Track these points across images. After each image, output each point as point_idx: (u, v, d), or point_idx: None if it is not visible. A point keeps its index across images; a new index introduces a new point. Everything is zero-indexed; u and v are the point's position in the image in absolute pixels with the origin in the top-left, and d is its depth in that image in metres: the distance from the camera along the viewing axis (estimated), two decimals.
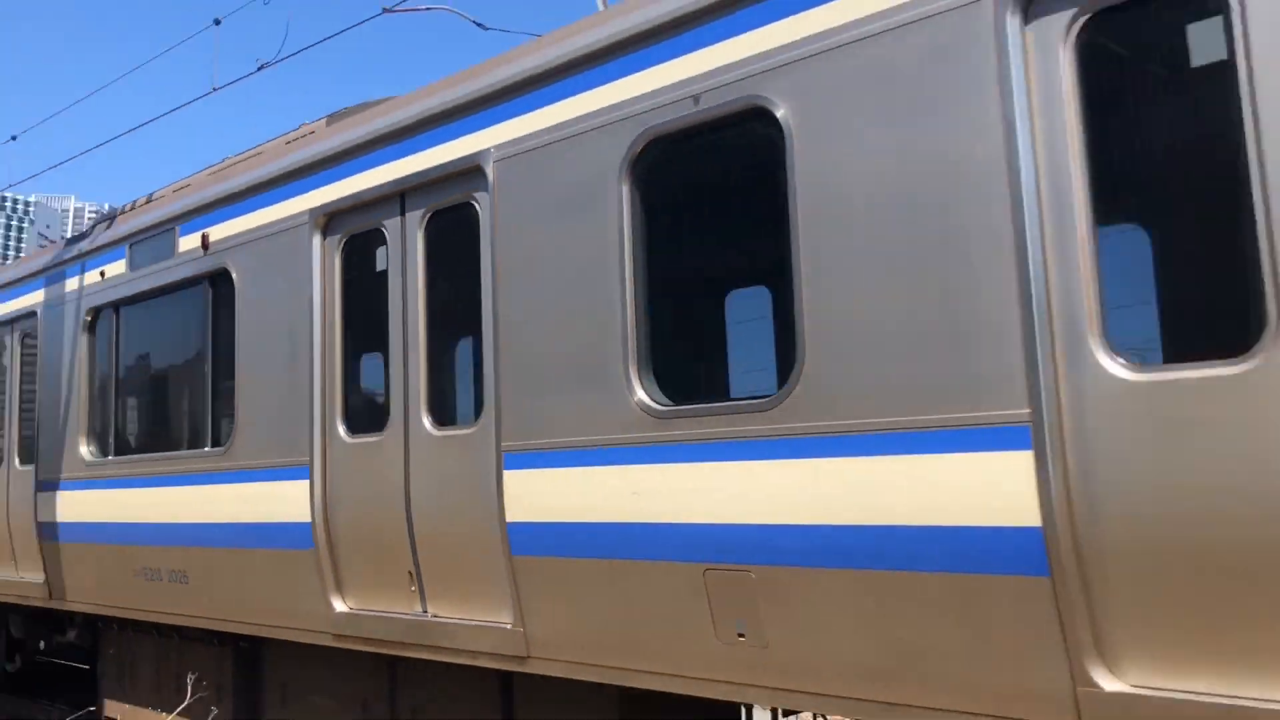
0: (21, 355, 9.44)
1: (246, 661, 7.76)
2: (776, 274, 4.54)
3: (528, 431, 5.19)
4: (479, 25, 10.99)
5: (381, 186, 6.06)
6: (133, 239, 8.05)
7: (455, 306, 5.78)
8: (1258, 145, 3.26)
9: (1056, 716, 3.64)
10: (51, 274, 9.03)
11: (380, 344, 6.12)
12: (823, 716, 4.87)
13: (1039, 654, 3.66)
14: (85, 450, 8.37)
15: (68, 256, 8.85)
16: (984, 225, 3.77)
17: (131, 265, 8.02)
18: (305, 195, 6.56)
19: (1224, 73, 3.39)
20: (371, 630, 6.08)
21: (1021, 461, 3.65)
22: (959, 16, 3.88)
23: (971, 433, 3.77)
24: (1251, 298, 3.30)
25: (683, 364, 5.04)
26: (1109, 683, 3.55)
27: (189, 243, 7.42)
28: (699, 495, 4.52)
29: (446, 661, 5.79)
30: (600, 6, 7.08)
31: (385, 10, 9.89)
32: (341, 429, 6.29)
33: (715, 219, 4.78)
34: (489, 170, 5.46)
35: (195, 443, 7.37)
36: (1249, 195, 3.28)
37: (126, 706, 8.92)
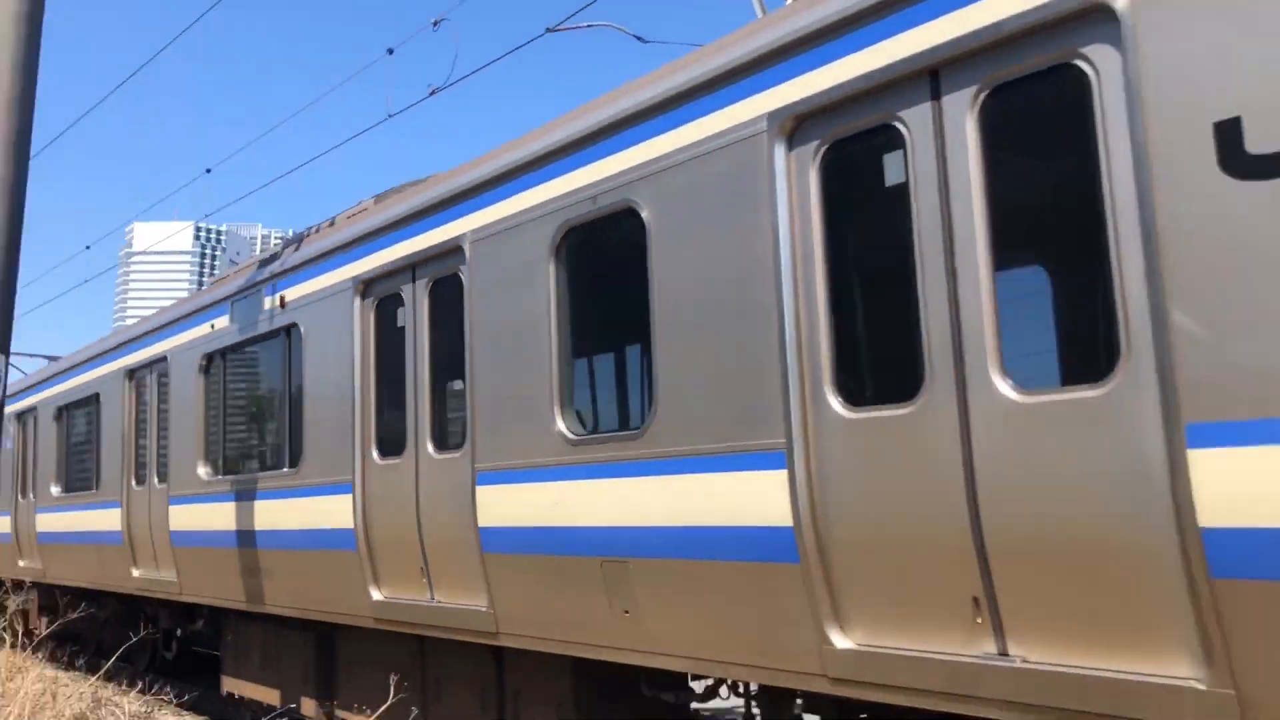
0: (158, 392, 11.62)
1: (324, 643, 9.59)
2: (644, 336, 5.99)
3: (493, 455, 6.78)
4: (639, 39, 11.22)
5: (399, 260, 7.78)
6: (234, 298, 10.05)
7: (451, 356, 7.42)
8: (918, 240, 4.58)
9: (811, 667, 4.99)
10: (178, 325, 11.16)
11: (401, 386, 7.82)
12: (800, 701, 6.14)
13: (799, 620, 5.01)
14: (201, 470, 10.41)
15: (188, 311, 10.96)
16: (761, 301, 5.15)
17: (232, 319, 10.02)
18: (350, 265, 8.35)
19: (903, 188, 4.71)
20: (399, 614, 7.77)
21: (780, 478, 5.02)
22: (747, 145, 5.29)
23: (751, 456, 5.16)
24: (915, 362, 4.61)
25: (591, 402, 6.53)
26: (841, 641, 4.88)
27: (271, 302, 9.34)
28: (596, 504, 6.02)
29: (446, 638, 7.43)
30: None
31: (549, 30, 10.29)
32: (375, 453, 8.02)
33: (610, 292, 6.27)
34: (467, 249, 7.10)
35: (277, 464, 9.25)
36: (933, 281, 4.59)
37: (241, 683, 10.91)
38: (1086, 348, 4.22)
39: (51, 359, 20.63)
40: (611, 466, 5.94)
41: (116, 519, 12.30)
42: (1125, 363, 3.93)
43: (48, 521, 14.68)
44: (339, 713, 9.37)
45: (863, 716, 5.54)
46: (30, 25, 7.52)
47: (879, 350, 4.88)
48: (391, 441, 7.91)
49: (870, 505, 4.73)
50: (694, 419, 5.47)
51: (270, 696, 10.33)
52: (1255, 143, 3.58)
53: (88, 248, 25.95)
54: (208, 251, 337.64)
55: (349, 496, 8.16)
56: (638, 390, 6.21)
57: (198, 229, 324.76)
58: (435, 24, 11.80)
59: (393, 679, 7.90)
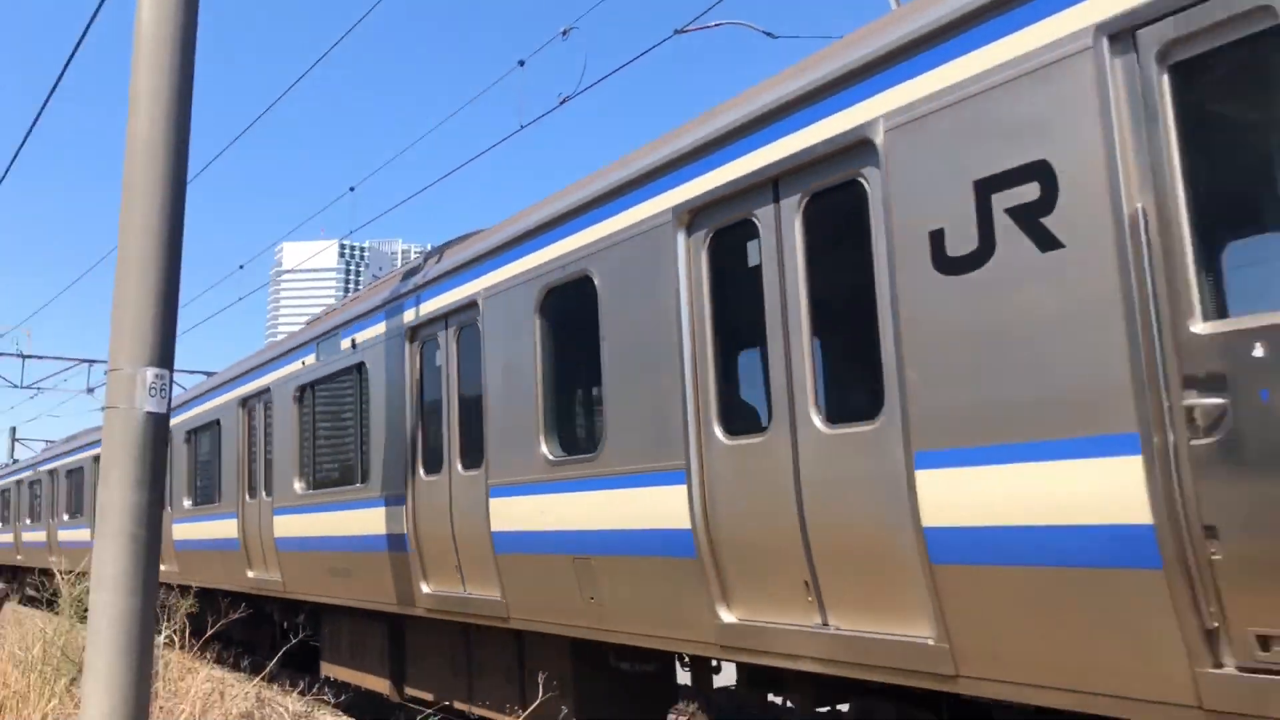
0: (265, 418, 13.72)
1: (397, 632, 11.43)
2: (598, 378, 7.57)
3: (501, 473, 8.48)
4: (768, 35, 11.23)
5: (435, 311, 9.55)
6: (318, 340, 12.02)
7: (473, 390, 9.14)
8: (767, 310, 6.09)
9: (708, 639, 6.51)
10: (278, 362, 13.22)
11: (439, 415, 9.58)
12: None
13: (699, 604, 6.55)
14: (297, 485, 12.42)
15: (284, 350, 13.01)
16: (670, 354, 6.71)
17: (318, 358, 11.99)
18: (401, 315, 10.18)
19: (758, 269, 6.22)
20: (442, 605, 9.52)
21: (682, 491, 6.57)
22: (659, 231, 6.86)
23: (664, 474, 6.72)
24: (767, 401, 6.10)
25: (566, 431, 8.14)
26: (727, 616, 6.39)
27: (346, 344, 11.26)
28: (568, 513, 7.65)
29: (480, 623, 9.15)
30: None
31: (677, 31, 10.47)
32: (422, 471, 9.81)
33: (576, 342, 7.88)
34: (480, 304, 8.83)
35: (351, 480, 11.14)
36: (775, 342, 6.09)
37: (336, 668, 12.87)
38: (866, 395, 5.66)
39: (209, 374, 23.38)
40: (578, 482, 7.57)
41: (234, 528, 14.46)
42: (885, 407, 5.38)
43: (181, 530, 17.05)
44: (408, 689, 11.20)
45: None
46: (185, 48, 7.70)
47: (746, 391, 6.40)
48: (434, 461, 9.68)
49: (740, 511, 6.25)
50: (630, 444, 7.06)
51: (357, 679, 12.24)
52: (953, 248, 5.00)
53: (241, 267, 26.97)
54: (352, 267, 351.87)
55: (403, 508, 9.97)
56: (596, 421, 7.81)
57: (342, 246, 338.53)
58: (565, 33, 12.05)
59: (541, 676, 8.84)
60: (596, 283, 7.45)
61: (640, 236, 7.05)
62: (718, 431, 6.44)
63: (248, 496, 14.15)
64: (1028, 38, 4.76)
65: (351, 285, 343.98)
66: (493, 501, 8.56)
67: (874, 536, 5.43)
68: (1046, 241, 4.60)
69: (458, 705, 10.20)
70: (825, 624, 5.81)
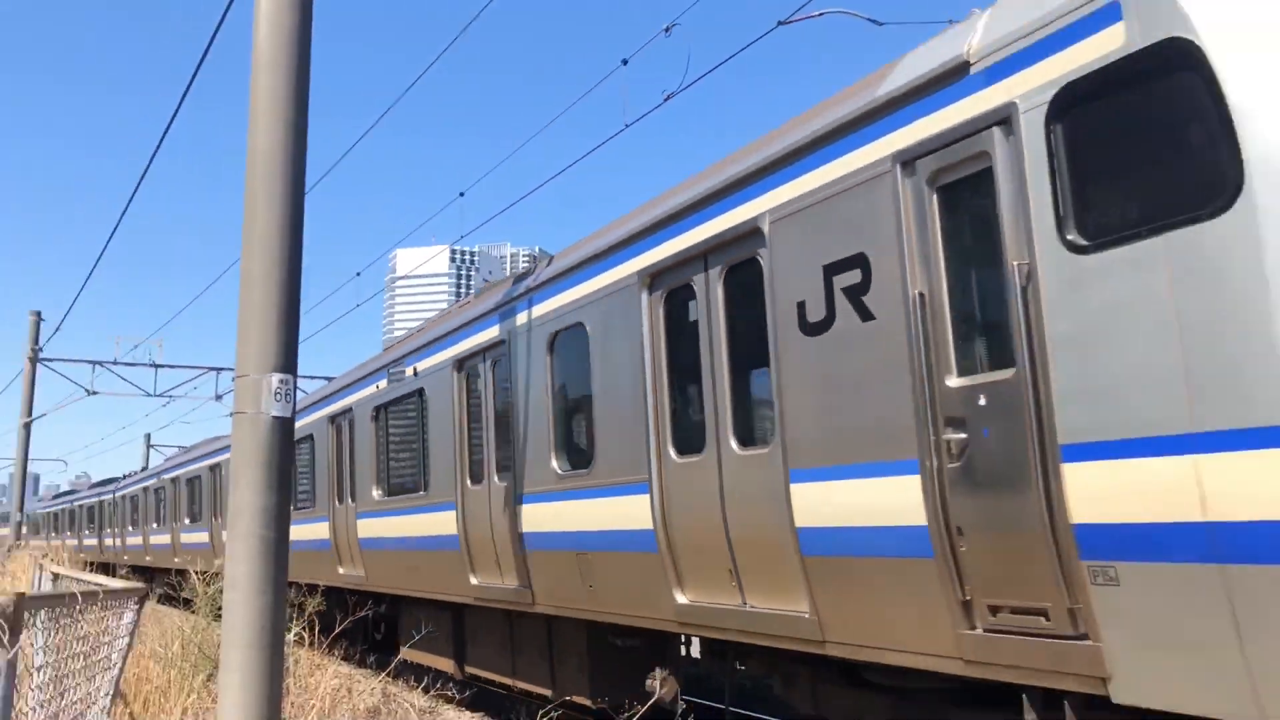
0: (350, 434, 15.82)
1: (459, 618, 13.36)
2: (591, 408, 9.33)
3: (527, 484, 10.30)
4: (874, 22, 11.22)
5: (475, 347, 11.43)
6: (389, 368, 14.03)
7: (507, 415, 10.99)
8: (704, 357, 7.78)
9: (669, 617, 8.23)
10: (358, 385, 15.31)
11: (480, 436, 11.46)
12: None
13: (661, 589, 8.27)
14: (375, 493, 14.46)
15: (361, 376, 15.08)
16: (638, 389, 8.44)
17: (389, 383, 14.01)
18: (449, 349, 12.10)
19: (696, 324, 7.91)
20: (485, 594, 11.40)
21: (646, 499, 8.30)
22: (629, 290, 8.59)
23: (634, 485, 8.46)
24: (703, 429, 7.79)
25: (571, 449, 9.90)
26: (681, 599, 8.10)
27: (409, 372, 13.23)
28: (573, 517, 9.43)
29: (512, 609, 11.00)
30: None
31: (780, 23, 10.52)
32: (469, 481, 11.70)
33: (577, 377, 9.66)
34: (508, 342, 10.67)
35: (416, 489, 13.12)
36: (707, 382, 7.79)
37: (412, 651, 14.88)
38: (764, 424, 7.31)
39: (329, 379, 25.69)
40: (578, 491, 9.36)
41: (326, 530, 16.62)
42: (774, 435, 7.04)
43: None
44: (468, 668, 13.13)
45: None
46: (300, 64, 7.91)
47: (691, 419, 8.10)
48: (478, 473, 11.57)
49: (687, 515, 7.95)
50: (611, 461, 8.82)
51: (429, 660, 14.21)
52: (810, 316, 6.65)
53: (358, 274, 27.12)
54: (463, 272, 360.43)
55: (454, 513, 11.89)
56: (590, 442, 9.57)
57: (452, 252, 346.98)
58: (667, 30, 12.12)
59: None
60: (587, 329, 9.24)
61: (617, 293, 8.81)
62: (671, 451, 8.16)
63: (337, 502, 16.28)
64: (854, 159, 6.39)
65: (462, 289, 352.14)
66: (522, 508, 10.40)
67: (769, 535, 7.09)
68: (865, 314, 6.23)
69: (502, 679, 12.08)
70: (744, 603, 7.49)
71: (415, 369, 13.07)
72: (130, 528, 37.05)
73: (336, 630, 13.72)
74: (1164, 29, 4.70)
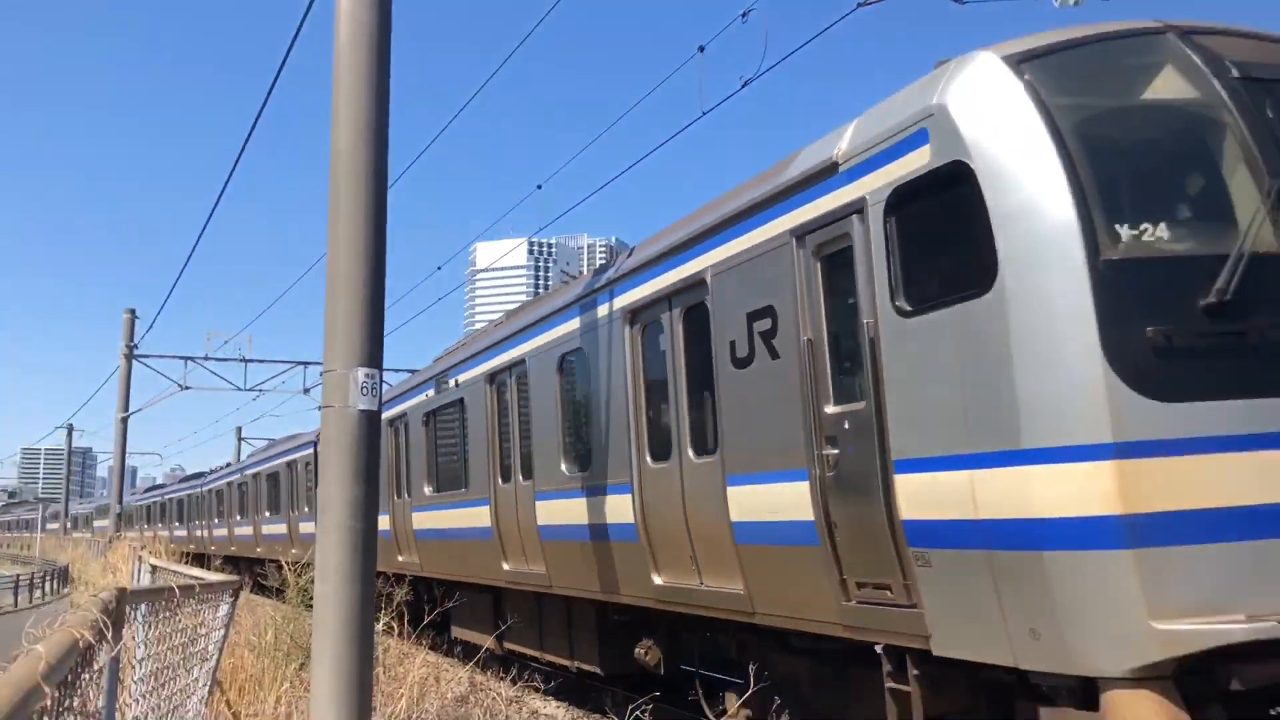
0: (406, 437, 17.84)
1: (498, 600, 15.28)
2: (590, 421, 11.11)
3: (542, 483, 12.15)
4: (956, 1, 10.73)
5: (502, 364, 13.31)
6: (436, 378, 16.00)
7: (525, 422, 12.84)
8: (668, 379, 9.56)
9: (649, 595, 10.01)
10: (410, 394, 17.31)
11: (509, 441, 13.33)
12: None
13: (643, 572, 10.05)
14: (426, 489, 16.45)
15: (411, 385, 17.09)
16: (623, 404, 10.22)
17: (436, 392, 15.97)
18: (481, 366, 14.00)
19: (664, 352, 9.68)
20: (514, 578, 13.28)
21: (629, 498, 10.09)
22: (615, 323, 10.37)
23: (621, 486, 10.25)
24: (669, 440, 9.56)
25: (574, 454, 11.70)
26: (658, 580, 9.89)
27: (451, 383, 15.17)
28: (574, 512, 11.26)
29: (534, 591, 12.88)
30: None
31: (859, 5, 10.52)
32: (500, 480, 13.59)
33: (578, 395, 11.46)
34: (527, 362, 12.53)
35: (460, 486, 15.05)
36: (671, 401, 9.55)
37: (462, 630, 16.85)
38: (711, 438, 9.04)
39: (412, 372, 27.74)
40: (577, 491, 11.18)
41: (387, 522, 18.68)
42: (719, 446, 8.78)
43: None
44: (506, 644, 15.04)
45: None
46: (380, 64, 8.07)
47: (663, 432, 9.86)
48: (506, 473, 13.45)
49: (660, 511, 9.72)
50: (602, 466, 10.62)
51: (476, 638, 16.15)
52: (738, 353, 8.38)
53: (439, 268, 28.29)
54: (540, 264, 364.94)
55: (488, 507, 13.80)
56: (588, 448, 11.39)
57: (530, 244, 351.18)
58: (744, 15, 12.14)
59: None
60: (588, 353, 11.05)
61: (607, 324, 10.60)
62: (648, 458, 9.94)
63: (395, 497, 18.32)
64: (765, 231, 8.11)
65: (540, 280, 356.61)
66: (538, 504, 12.26)
67: (716, 527, 8.84)
68: (774, 354, 7.95)
69: (533, 652, 13.97)
70: (701, 583, 9.24)
71: (457, 381, 15.01)
72: (216, 519, 39.77)
73: (425, 621, 14.65)
74: (951, 154, 6.37)
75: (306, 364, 42.55)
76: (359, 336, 7.82)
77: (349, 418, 7.70)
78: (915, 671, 6.90)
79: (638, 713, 9.17)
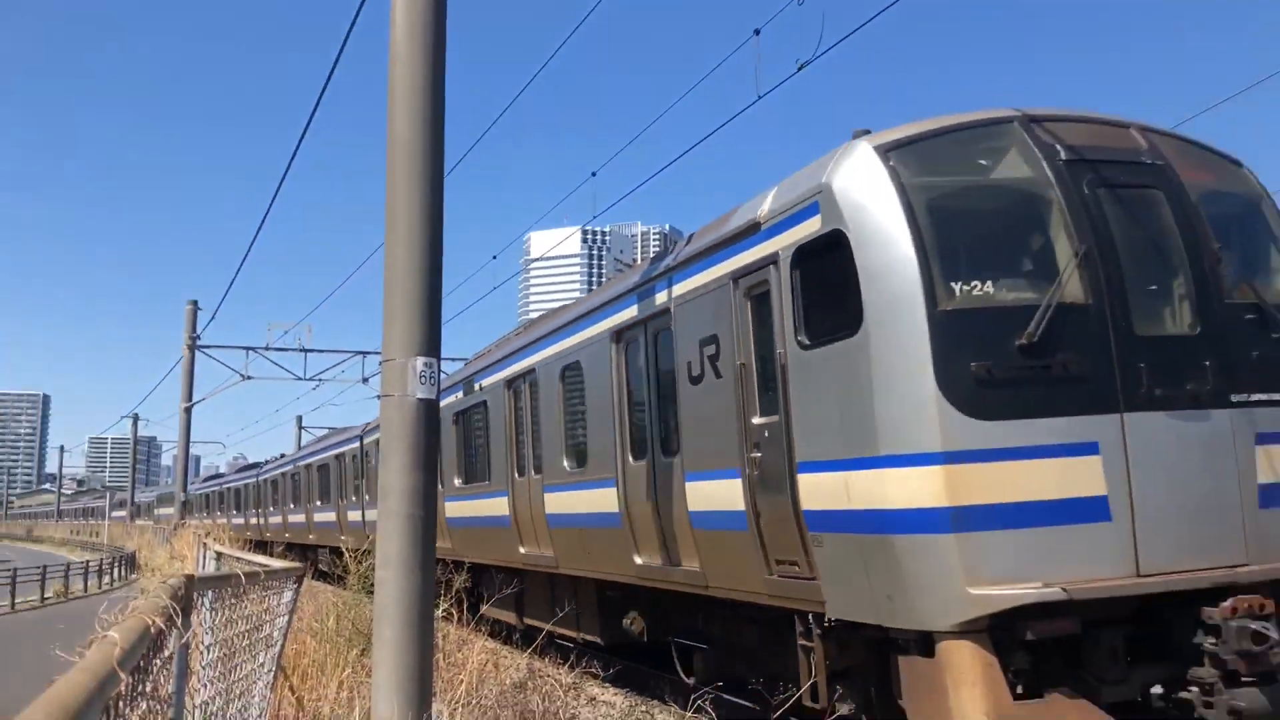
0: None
1: (521, 582, 17.23)
2: (585, 425, 12.96)
3: (548, 477, 14.06)
4: None
5: (517, 372, 15.23)
6: (465, 381, 17.96)
7: (535, 423, 14.74)
8: (644, 390, 11.43)
9: (631, 574, 11.88)
10: (444, 392, 19.30)
11: (519, 439, 15.25)
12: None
13: (626, 554, 11.92)
14: (456, 480, 18.44)
15: (449, 385, 19.08)
16: (610, 411, 12.09)
17: (464, 394, 17.94)
18: (501, 373, 15.94)
19: (643, 365, 11.54)
20: (531, 561, 15.21)
21: (614, 491, 11.96)
22: (604, 341, 12.24)
23: (606, 480, 12.13)
24: (645, 442, 11.41)
25: (574, 453, 13.56)
26: (638, 560, 11.76)
27: (477, 387, 17.12)
28: (574, 503, 13.15)
29: (545, 572, 14.81)
30: None
31: None
32: (517, 474, 15.53)
33: (578, 402, 13.33)
34: (537, 372, 14.44)
35: (485, 479, 17.00)
36: (646, 410, 11.41)
37: (492, 609, 18.82)
38: (674, 442, 10.85)
39: (465, 361, 29.63)
40: (576, 484, 13.07)
41: None
42: (680, 448, 10.60)
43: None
44: (525, 620, 16.99)
45: None
46: (436, 56, 8.17)
47: (641, 435, 11.69)
48: (522, 468, 15.37)
49: (639, 502, 11.57)
50: (595, 463, 12.50)
51: (501, 615, 18.13)
52: (693, 372, 10.21)
53: (494, 257, 28.88)
54: (594, 252, 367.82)
55: (507, 498, 15.74)
56: (585, 448, 13.26)
57: (584, 232, 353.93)
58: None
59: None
60: (584, 366, 12.92)
61: (599, 342, 12.46)
62: (629, 457, 11.80)
63: None
64: (711, 273, 9.92)
65: (594, 269, 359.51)
66: (546, 495, 14.18)
67: (678, 516, 10.67)
68: (718, 374, 9.77)
69: (547, 627, 15.90)
70: (669, 563, 11.09)
71: (481, 385, 16.97)
72: (271, 508, 42.18)
73: (484, 609, 15.57)
74: (833, 223, 8.15)
75: (365, 353, 43.27)
76: (417, 326, 7.86)
77: (408, 406, 7.79)
78: (817, 631, 8.69)
79: (699, 702, 9.48)
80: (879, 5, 12.06)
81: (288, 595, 9.43)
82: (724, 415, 9.66)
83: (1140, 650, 7.65)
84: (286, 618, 9.19)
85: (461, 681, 10.66)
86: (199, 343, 41.00)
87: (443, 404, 19.64)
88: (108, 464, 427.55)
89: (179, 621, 4.75)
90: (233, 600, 6.99)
